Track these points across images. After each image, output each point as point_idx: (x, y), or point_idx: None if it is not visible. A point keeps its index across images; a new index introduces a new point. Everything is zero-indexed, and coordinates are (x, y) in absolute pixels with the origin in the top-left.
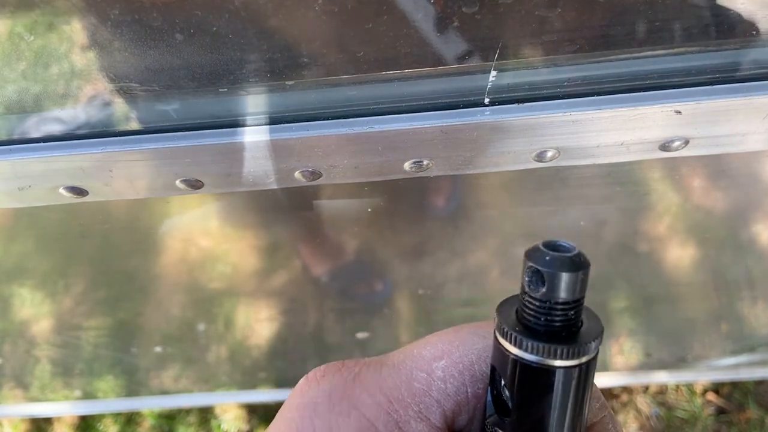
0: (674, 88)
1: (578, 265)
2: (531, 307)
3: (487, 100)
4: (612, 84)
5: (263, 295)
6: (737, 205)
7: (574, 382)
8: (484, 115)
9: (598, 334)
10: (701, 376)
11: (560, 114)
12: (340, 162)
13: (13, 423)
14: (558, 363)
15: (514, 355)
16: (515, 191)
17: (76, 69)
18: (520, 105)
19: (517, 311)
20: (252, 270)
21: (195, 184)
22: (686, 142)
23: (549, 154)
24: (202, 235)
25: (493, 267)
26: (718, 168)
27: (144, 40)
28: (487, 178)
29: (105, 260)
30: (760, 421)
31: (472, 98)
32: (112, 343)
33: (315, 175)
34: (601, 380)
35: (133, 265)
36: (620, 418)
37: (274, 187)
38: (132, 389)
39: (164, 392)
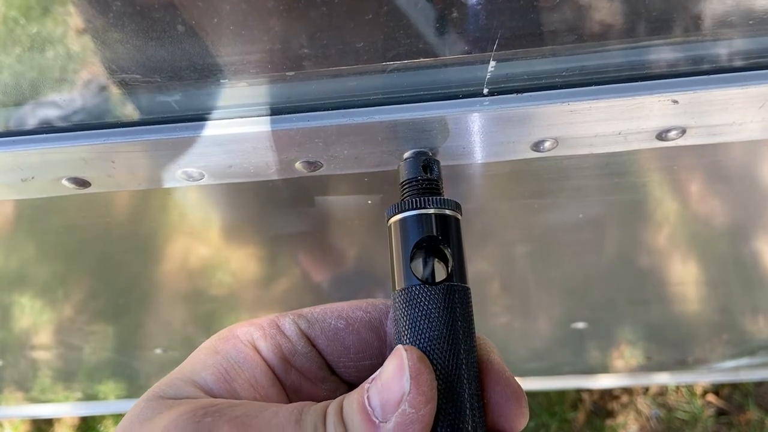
0: (671, 78)
1: (428, 156)
2: (412, 186)
3: (486, 91)
4: (610, 74)
5: (264, 300)
6: (738, 203)
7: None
8: (483, 105)
9: (452, 202)
10: (701, 378)
11: (558, 104)
12: (341, 152)
13: (14, 424)
14: (448, 212)
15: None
16: (513, 183)
17: (78, 61)
18: (519, 95)
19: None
20: (252, 277)
21: (196, 175)
22: (683, 132)
23: (547, 144)
24: (203, 240)
25: (490, 263)
26: (717, 165)
27: (145, 31)
28: (485, 169)
29: (106, 259)
30: (760, 422)
31: (471, 88)
32: (113, 345)
33: (315, 165)
34: (602, 381)
35: (134, 264)
36: (620, 419)
37: (275, 177)
38: (133, 391)
39: None
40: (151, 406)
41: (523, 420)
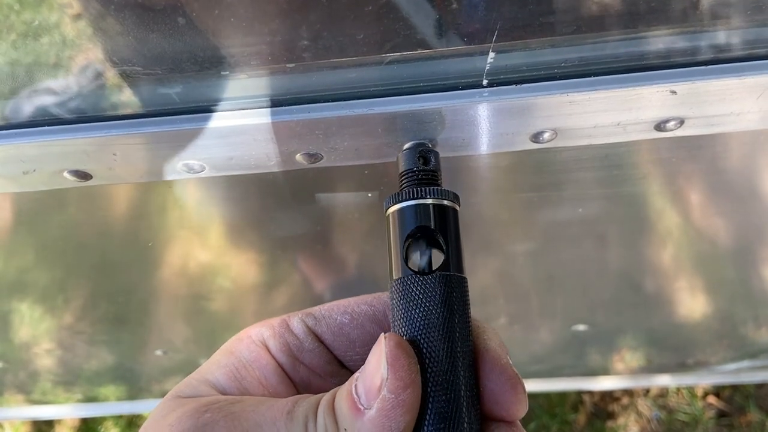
0: (669, 68)
1: (426, 147)
2: (410, 176)
3: (485, 82)
4: (608, 64)
5: (264, 301)
6: (739, 198)
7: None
8: (483, 97)
9: (450, 193)
10: (702, 380)
11: (557, 95)
12: (341, 144)
13: (14, 426)
14: (447, 203)
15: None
16: (513, 175)
17: (80, 54)
18: (518, 86)
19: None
20: (252, 279)
21: (197, 168)
22: (681, 122)
23: (546, 135)
24: (204, 238)
25: (489, 261)
26: (717, 159)
27: (146, 23)
28: (485, 161)
29: (106, 259)
30: (760, 424)
31: (471, 80)
32: (114, 347)
33: (316, 157)
34: (603, 383)
35: (135, 264)
36: (621, 420)
37: (276, 169)
38: (133, 393)
39: (165, 395)
40: (168, 405)
41: (521, 407)
